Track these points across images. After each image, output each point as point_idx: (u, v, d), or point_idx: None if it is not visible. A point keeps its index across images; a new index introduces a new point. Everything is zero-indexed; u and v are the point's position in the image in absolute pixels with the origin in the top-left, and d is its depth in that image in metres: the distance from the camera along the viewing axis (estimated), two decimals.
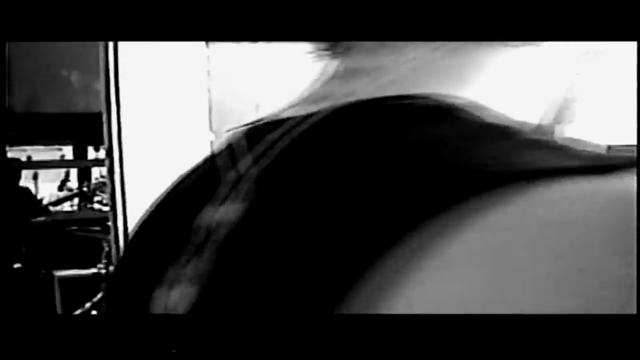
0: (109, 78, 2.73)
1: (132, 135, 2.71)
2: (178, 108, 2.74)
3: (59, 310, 6.01)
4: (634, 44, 0.52)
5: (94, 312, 5.43)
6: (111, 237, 2.75)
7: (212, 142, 2.82)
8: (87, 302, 5.59)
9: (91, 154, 7.14)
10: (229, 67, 2.92)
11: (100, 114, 3.57)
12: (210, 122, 2.84)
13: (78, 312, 5.60)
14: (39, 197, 6.87)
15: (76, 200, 6.89)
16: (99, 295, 5.37)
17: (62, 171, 7.46)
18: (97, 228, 5.66)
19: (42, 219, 6.20)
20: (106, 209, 6.41)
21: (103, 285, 5.22)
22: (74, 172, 7.49)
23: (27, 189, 6.63)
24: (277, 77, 3.04)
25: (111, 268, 5.04)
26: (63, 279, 5.94)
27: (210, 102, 2.81)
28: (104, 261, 5.25)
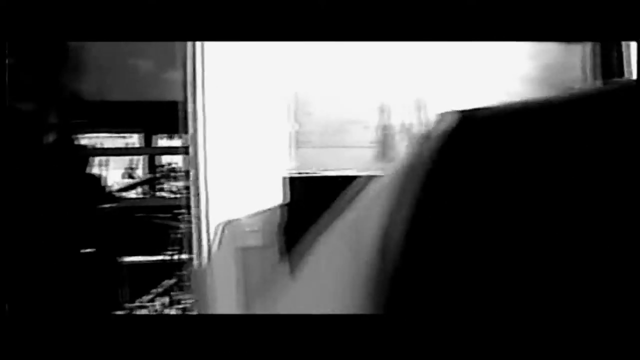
0: (186, 66, 2.76)
1: (213, 124, 2.73)
2: (258, 99, 2.76)
3: (125, 296, 6.10)
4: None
5: (163, 299, 5.49)
6: (192, 224, 2.78)
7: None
8: (153, 288, 5.66)
9: (160, 142, 7.23)
10: (309, 59, 2.93)
11: (171, 103, 3.61)
12: (289, 112, 2.85)
13: (145, 298, 5.68)
14: (107, 183, 6.96)
15: (144, 188, 6.98)
16: (170, 281, 5.43)
17: (130, 159, 7.55)
18: (168, 215, 5.71)
19: (110, 205, 6.28)
20: (174, 196, 6.49)
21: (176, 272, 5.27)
22: (139, 159, 7.59)
23: (95, 176, 6.73)
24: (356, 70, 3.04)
25: (183, 255, 5.09)
26: (130, 265, 6.02)
27: (291, 93, 2.83)
28: (173, 248, 5.30)
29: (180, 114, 2.88)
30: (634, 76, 2.98)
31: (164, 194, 6.68)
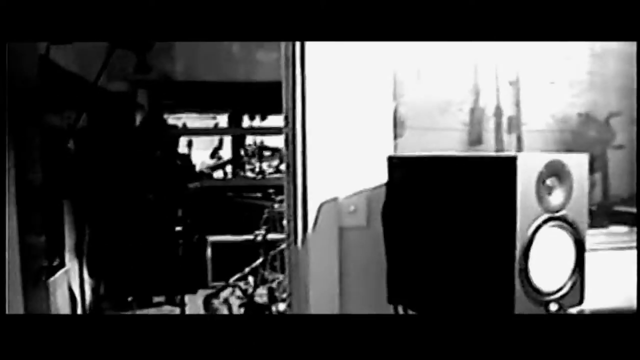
0: (293, 45, 2.76)
1: (312, 103, 2.74)
2: (358, 79, 2.75)
3: (213, 274, 6.17)
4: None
5: (251, 278, 5.55)
6: (289, 203, 2.79)
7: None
8: (243, 266, 5.71)
9: (248, 122, 7.29)
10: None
11: (259, 84, 3.64)
12: (390, 93, 2.84)
13: (235, 277, 5.73)
14: (195, 163, 7.06)
15: (233, 167, 7.05)
16: (260, 260, 5.48)
17: (215, 139, 7.63)
18: (259, 195, 5.77)
19: (199, 183, 6.37)
20: (260, 176, 6.54)
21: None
22: (224, 138, 7.66)
23: (185, 155, 6.84)
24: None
25: (276, 235, 5.12)
26: (220, 243, 6.10)
27: (389, 74, 2.81)
28: (265, 227, 5.35)
29: (282, 93, 2.89)
30: None
31: (250, 174, 6.74)
